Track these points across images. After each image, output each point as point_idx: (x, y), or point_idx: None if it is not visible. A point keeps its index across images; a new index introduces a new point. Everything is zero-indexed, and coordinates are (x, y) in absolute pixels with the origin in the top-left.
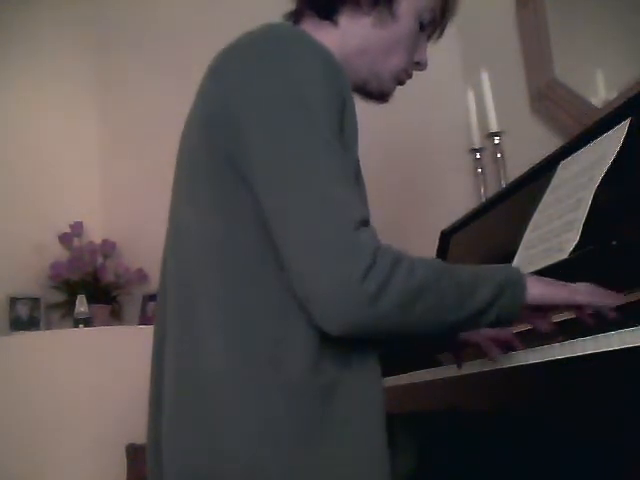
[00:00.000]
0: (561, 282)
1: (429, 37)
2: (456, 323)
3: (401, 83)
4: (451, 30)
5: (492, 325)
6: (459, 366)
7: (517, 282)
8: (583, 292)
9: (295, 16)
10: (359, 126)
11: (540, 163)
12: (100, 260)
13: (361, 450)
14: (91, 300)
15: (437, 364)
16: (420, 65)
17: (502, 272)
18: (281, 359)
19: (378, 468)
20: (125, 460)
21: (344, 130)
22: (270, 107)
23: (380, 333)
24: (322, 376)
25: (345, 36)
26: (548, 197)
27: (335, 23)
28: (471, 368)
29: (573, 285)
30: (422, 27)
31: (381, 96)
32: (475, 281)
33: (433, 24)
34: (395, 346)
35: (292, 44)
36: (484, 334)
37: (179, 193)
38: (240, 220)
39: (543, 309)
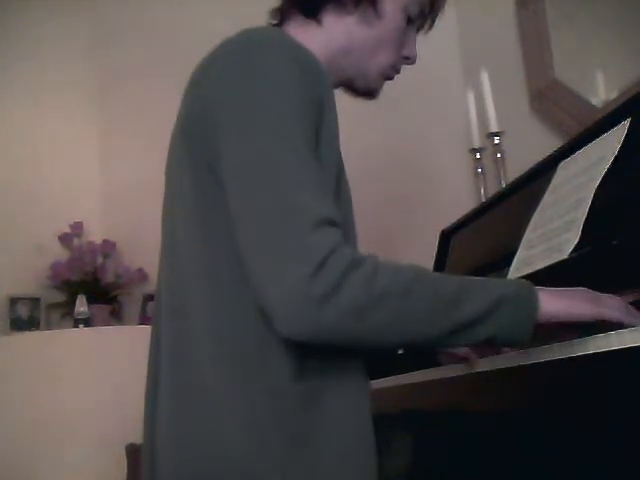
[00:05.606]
0: (583, 293)
1: (419, 29)
2: (431, 336)
3: (389, 79)
4: (451, 30)
5: (492, 344)
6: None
7: (522, 299)
8: (611, 306)
9: (280, 15)
10: (359, 127)
11: (540, 163)
12: (100, 260)
13: (347, 456)
14: (91, 300)
15: (437, 364)
16: (409, 59)
17: (502, 287)
18: (265, 365)
19: (364, 472)
20: (125, 460)
21: (321, 131)
22: (241, 113)
23: (337, 340)
24: (306, 382)
25: (330, 36)
26: (548, 197)
27: (319, 22)
28: (471, 368)
29: (599, 298)
30: (410, 21)
31: (368, 93)
32: (460, 295)
33: (422, 16)
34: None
35: (268, 49)
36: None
37: (168, 198)
38: (222, 227)
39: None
